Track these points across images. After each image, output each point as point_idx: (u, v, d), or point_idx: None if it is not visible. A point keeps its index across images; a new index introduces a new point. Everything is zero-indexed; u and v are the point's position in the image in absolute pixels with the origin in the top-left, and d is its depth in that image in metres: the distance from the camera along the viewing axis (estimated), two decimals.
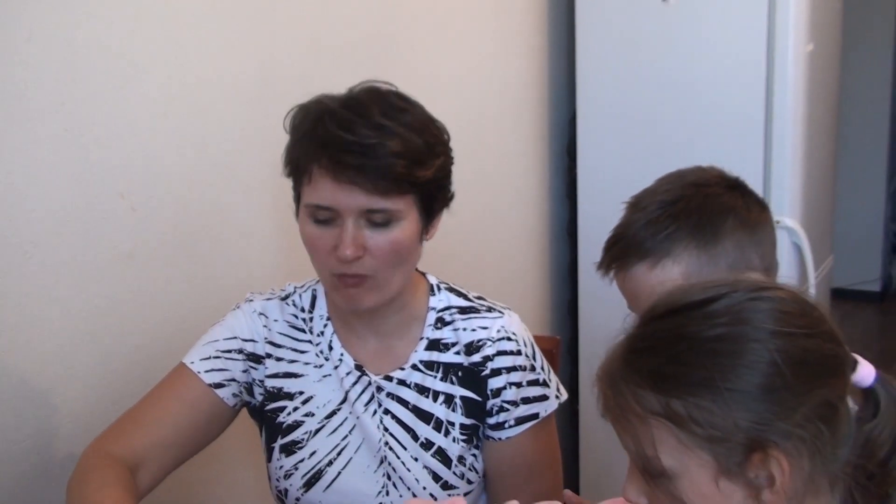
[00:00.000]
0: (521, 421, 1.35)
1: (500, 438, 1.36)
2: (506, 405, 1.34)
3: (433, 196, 1.28)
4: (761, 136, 2.43)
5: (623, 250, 1.24)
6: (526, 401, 1.35)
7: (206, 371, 1.33)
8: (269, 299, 1.40)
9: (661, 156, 2.35)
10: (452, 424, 1.34)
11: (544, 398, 1.37)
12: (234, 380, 1.35)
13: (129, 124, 1.50)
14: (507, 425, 1.35)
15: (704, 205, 1.23)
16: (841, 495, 0.83)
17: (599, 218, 2.75)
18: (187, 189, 1.62)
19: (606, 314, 2.46)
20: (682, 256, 1.20)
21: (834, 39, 2.80)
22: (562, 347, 1.66)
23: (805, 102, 2.47)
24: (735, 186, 1.27)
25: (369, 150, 1.19)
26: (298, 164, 1.26)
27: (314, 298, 1.40)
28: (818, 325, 0.84)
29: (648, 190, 1.28)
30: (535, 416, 1.36)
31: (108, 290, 1.49)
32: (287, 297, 1.41)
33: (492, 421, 1.35)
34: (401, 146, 1.21)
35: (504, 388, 1.34)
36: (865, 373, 0.85)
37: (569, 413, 2.83)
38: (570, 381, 2.77)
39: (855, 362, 0.85)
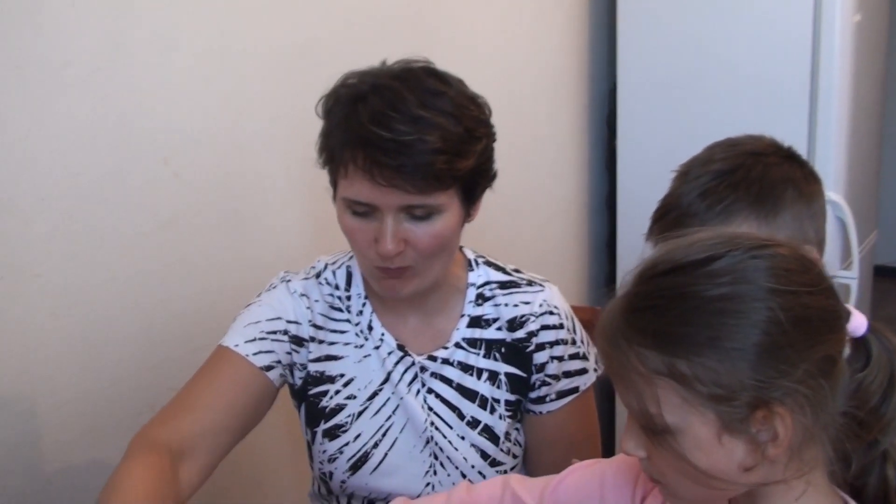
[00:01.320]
0: (561, 395, 1.35)
1: (540, 412, 1.35)
2: (548, 379, 1.34)
3: (475, 182, 1.24)
4: (806, 109, 2.39)
5: (676, 221, 1.18)
6: (567, 374, 1.35)
7: (255, 354, 1.27)
8: (306, 279, 1.35)
9: (704, 128, 2.32)
10: (498, 401, 1.33)
11: (584, 371, 1.37)
12: (279, 361, 1.30)
13: (170, 91, 1.51)
14: (548, 399, 1.35)
15: (765, 175, 1.17)
16: (832, 442, 0.85)
17: (639, 191, 2.74)
18: (228, 156, 1.63)
19: None
20: (741, 228, 1.15)
21: (882, 10, 2.74)
22: None
23: (851, 74, 2.42)
24: (791, 156, 1.22)
25: (407, 147, 1.13)
26: (333, 156, 1.21)
27: (349, 276, 1.36)
28: (819, 281, 0.84)
29: (698, 159, 1.23)
30: (576, 389, 1.36)
31: (150, 256, 1.51)
32: (319, 274, 1.36)
33: (533, 395, 1.35)
34: (440, 140, 1.14)
35: (547, 362, 1.33)
36: (858, 323, 0.87)
37: (605, 388, 2.83)
38: None
39: (848, 313, 0.87)
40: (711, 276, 0.82)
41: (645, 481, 1.00)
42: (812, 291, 0.82)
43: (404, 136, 1.13)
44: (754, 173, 1.17)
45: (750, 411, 0.80)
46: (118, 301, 1.47)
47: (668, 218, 1.20)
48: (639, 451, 0.88)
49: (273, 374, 1.29)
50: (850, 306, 0.89)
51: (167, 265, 1.54)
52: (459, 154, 1.17)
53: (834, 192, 2.39)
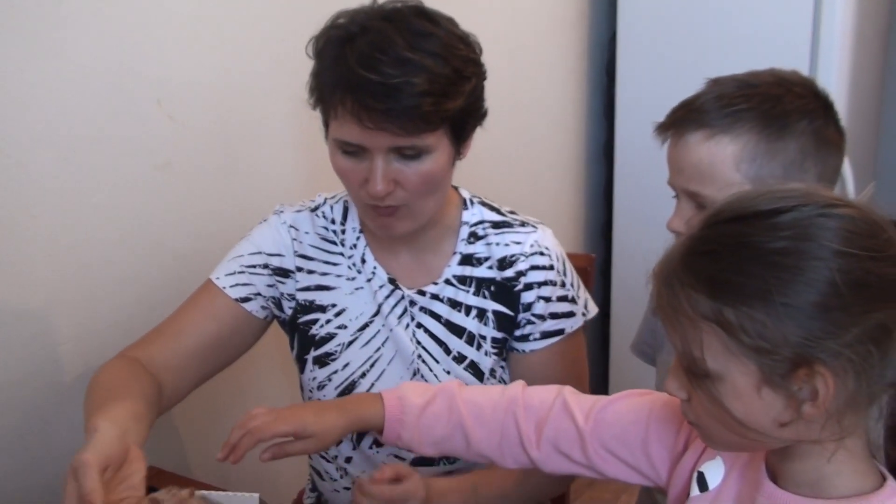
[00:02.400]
0: (546, 335, 1.37)
1: (524, 351, 1.37)
2: (533, 318, 1.35)
3: (465, 122, 1.25)
4: (807, 58, 2.37)
5: (685, 115, 1.20)
6: (553, 316, 1.36)
7: (232, 286, 1.34)
8: (298, 211, 1.39)
9: (704, 77, 2.30)
10: (484, 338, 1.35)
11: (571, 315, 1.38)
12: (259, 294, 1.36)
13: (165, 31, 1.50)
14: (531, 338, 1.36)
15: (784, 98, 1.18)
16: (880, 414, 0.85)
17: (637, 139, 2.73)
18: (224, 99, 1.62)
19: (641, 235, 2.46)
20: (741, 137, 1.16)
21: None
22: (596, 267, 1.66)
23: (853, 24, 2.40)
24: (825, 103, 1.21)
25: (394, 90, 1.14)
26: (323, 98, 1.22)
27: (346, 210, 1.39)
28: (886, 247, 0.82)
29: (735, 74, 1.24)
30: (561, 331, 1.37)
31: (144, 198, 1.51)
32: (316, 208, 1.40)
33: (518, 333, 1.37)
34: (427, 82, 1.15)
35: (534, 302, 1.35)
36: None
37: (599, 335, 2.85)
38: (603, 302, 2.77)
39: None
40: (774, 229, 0.81)
41: (690, 427, 1.01)
42: (876, 257, 0.80)
43: (392, 79, 1.14)
44: (775, 91, 1.18)
45: (792, 368, 0.80)
46: (113, 243, 1.47)
47: (680, 112, 1.22)
48: (680, 392, 0.89)
49: (251, 306, 1.35)
50: None
51: (163, 208, 1.54)
52: (447, 95, 1.18)
53: None
